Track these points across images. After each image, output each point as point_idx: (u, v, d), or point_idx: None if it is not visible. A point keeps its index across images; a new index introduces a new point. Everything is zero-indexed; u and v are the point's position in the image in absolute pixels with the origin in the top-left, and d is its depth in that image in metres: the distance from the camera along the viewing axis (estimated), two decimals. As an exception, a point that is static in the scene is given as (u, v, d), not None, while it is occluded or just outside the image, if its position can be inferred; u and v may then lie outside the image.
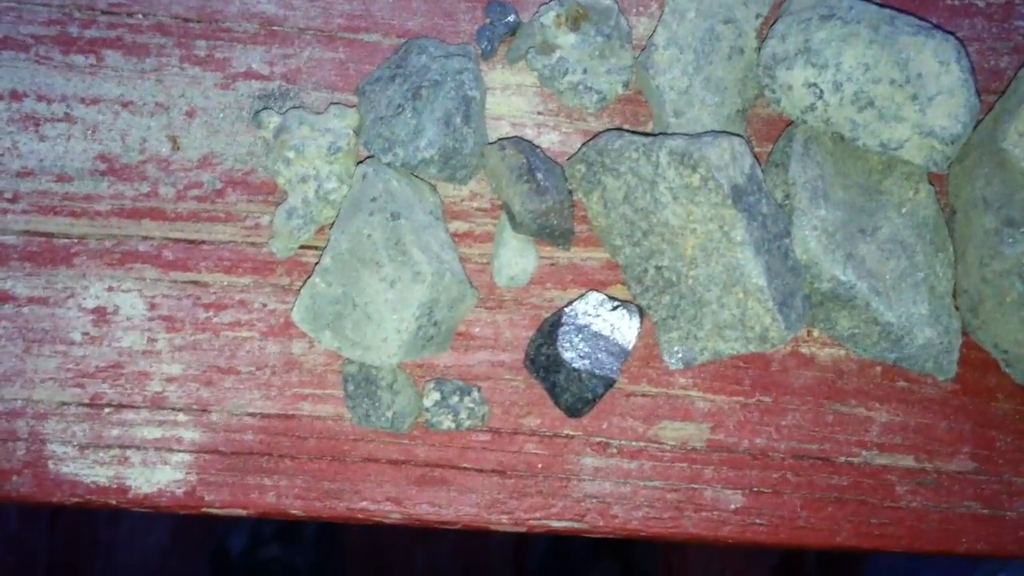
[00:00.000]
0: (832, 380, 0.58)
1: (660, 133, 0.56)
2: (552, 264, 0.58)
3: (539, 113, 0.59)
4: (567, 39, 0.57)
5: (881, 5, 0.56)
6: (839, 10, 0.54)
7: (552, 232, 0.56)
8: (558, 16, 0.57)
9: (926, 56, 0.53)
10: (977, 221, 0.54)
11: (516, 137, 0.57)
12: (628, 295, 0.57)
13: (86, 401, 0.57)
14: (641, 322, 0.56)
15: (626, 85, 0.58)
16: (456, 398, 0.56)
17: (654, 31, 0.57)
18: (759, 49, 0.57)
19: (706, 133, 0.54)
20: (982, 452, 0.58)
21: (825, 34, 0.53)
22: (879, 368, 0.58)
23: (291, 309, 0.55)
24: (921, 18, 0.58)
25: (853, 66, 0.53)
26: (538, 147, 0.57)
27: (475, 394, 0.56)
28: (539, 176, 0.55)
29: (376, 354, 0.53)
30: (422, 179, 0.56)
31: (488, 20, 0.59)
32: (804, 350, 0.58)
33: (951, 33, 0.54)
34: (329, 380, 0.57)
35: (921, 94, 0.53)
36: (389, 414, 0.55)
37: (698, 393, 0.58)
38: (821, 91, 0.54)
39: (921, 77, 0.53)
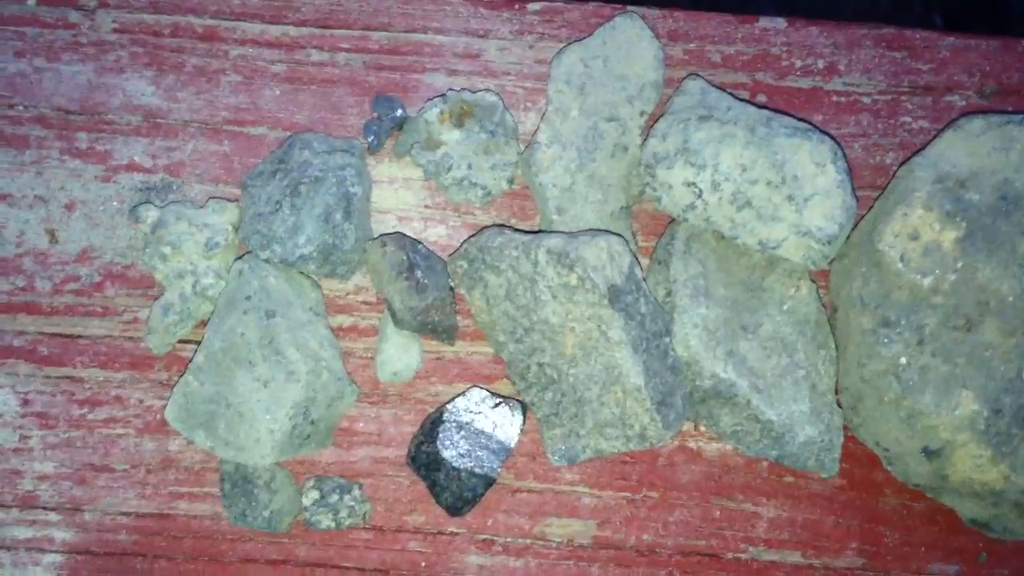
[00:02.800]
0: (719, 475, 0.57)
1: (541, 231, 0.56)
2: (437, 358, 0.58)
3: (426, 207, 0.59)
4: (452, 135, 0.57)
5: (760, 106, 0.57)
6: (717, 111, 0.55)
7: (434, 328, 0.55)
8: (442, 113, 0.57)
9: (802, 158, 0.53)
10: (855, 320, 0.54)
11: (398, 233, 0.56)
12: (514, 391, 0.57)
13: (-47, 502, 0.55)
14: (524, 419, 0.56)
15: (511, 181, 0.58)
16: (336, 496, 0.55)
17: (537, 129, 0.57)
18: (643, 146, 0.57)
19: (585, 232, 0.54)
20: (870, 548, 0.57)
21: (703, 135, 0.54)
22: (766, 463, 0.58)
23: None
24: (806, 117, 0.59)
25: (731, 167, 0.53)
26: (420, 243, 0.57)
27: (356, 492, 0.55)
28: (419, 273, 0.54)
29: (249, 454, 0.52)
30: (304, 274, 0.56)
31: (375, 115, 0.59)
32: (691, 444, 0.58)
33: (828, 135, 0.54)
34: (206, 478, 0.56)
35: (797, 195, 0.53)
36: (266, 513, 0.54)
37: (585, 489, 0.57)
38: (700, 190, 0.54)
39: (797, 179, 0.53)
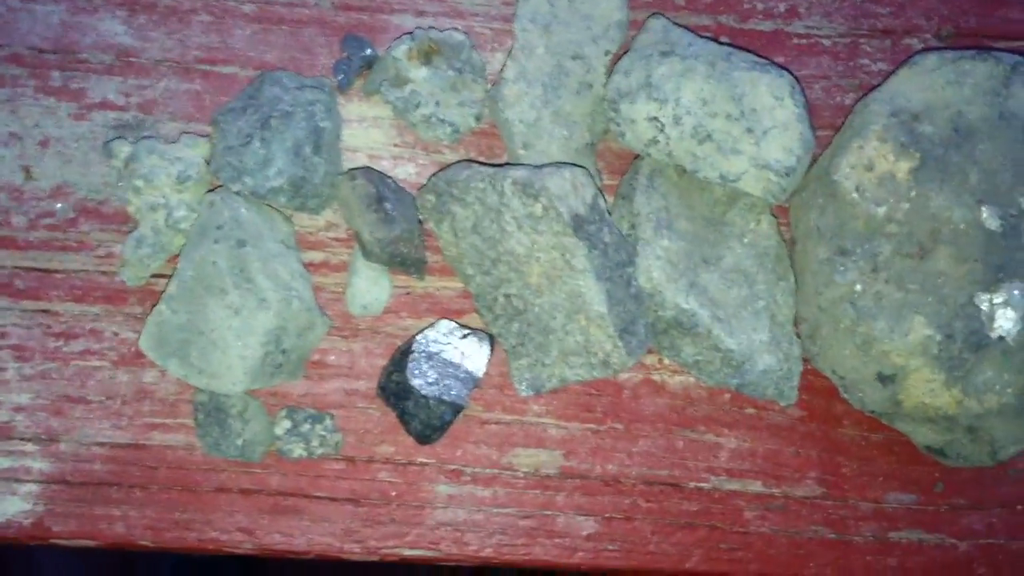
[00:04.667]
0: (682, 407, 0.59)
1: (508, 164, 0.57)
2: (407, 293, 0.59)
3: (395, 145, 0.60)
4: (419, 73, 0.58)
5: (720, 43, 0.58)
6: (679, 47, 0.56)
7: (404, 261, 0.57)
8: (410, 50, 0.58)
9: (761, 91, 0.54)
10: (812, 251, 0.56)
11: (367, 167, 0.57)
12: (483, 324, 0.58)
13: (-70, 432, 0.56)
14: (492, 350, 0.57)
15: (478, 118, 0.59)
16: (308, 426, 0.56)
17: (504, 65, 0.58)
18: (607, 83, 0.58)
19: (550, 164, 0.55)
20: (829, 477, 0.59)
21: (665, 70, 0.55)
22: (728, 395, 0.59)
23: (140, 338, 0.55)
24: (769, 57, 0.60)
25: (692, 101, 0.54)
26: (389, 177, 0.58)
27: (327, 422, 0.57)
28: (388, 206, 0.55)
29: (222, 382, 0.53)
30: (276, 208, 0.57)
31: (345, 54, 0.60)
32: (655, 377, 0.59)
33: (786, 70, 0.55)
34: (181, 409, 0.57)
35: (756, 128, 0.54)
36: (239, 443, 0.55)
37: (551, 420, 0.59)
38: (662, 125, 0.55)
39: (756, 112, 0.54)
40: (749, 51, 0.57)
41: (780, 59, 0.62)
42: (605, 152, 0.61)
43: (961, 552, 0.60)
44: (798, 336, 0.58)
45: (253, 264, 0.53)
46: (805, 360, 0.58)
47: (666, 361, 0.59)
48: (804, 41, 0.62)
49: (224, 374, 0.53)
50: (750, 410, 0.59)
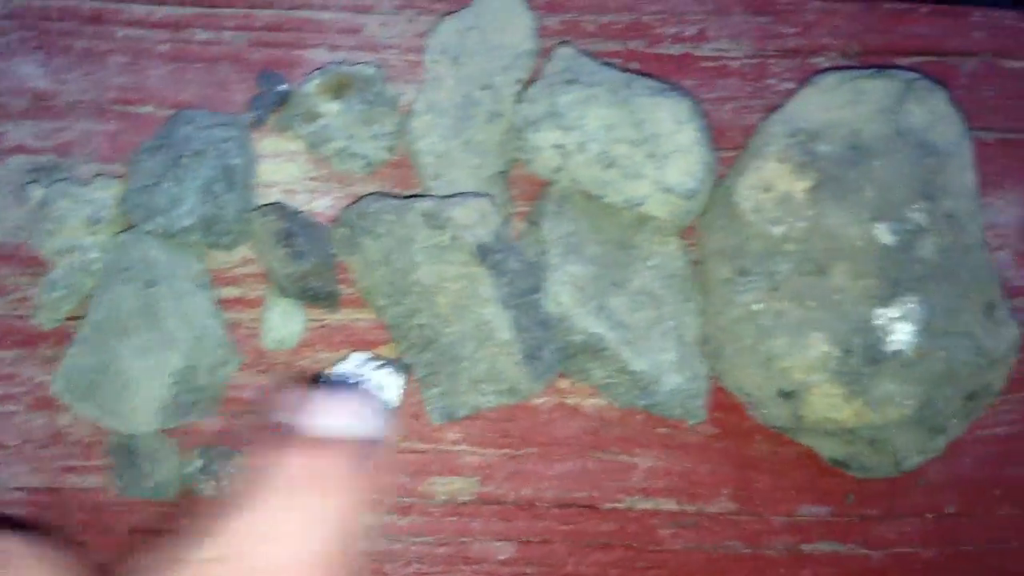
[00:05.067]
0: (596, 429, 0.60)
1: (418, 195, 0.58)
2: (322, 326, 0.60)
3: (311, 179, 0.61)
4: (330, 107, 0.59)
5: (628, 70, 0.59)
6: (582, 75, 0.57)
7: (316, 295, 0.57)
8: (319, 84, 0.59)
9: (662, 116, 0.55)
10: (716, 271, 0.56)
11: (278, 203, 0.58)
12: (397, 353, 0.59)
13: None
14: (407, 379, 0.58)
15: (391, 150, 0.60)
16: (219, 464, 0.57)
17: (415, 98, 0.59)
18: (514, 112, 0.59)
19: (457, 194, 0.56)
20: (742, 493, 0.60)
21: (570, 98, 0.56)
22: (641, 416, 0.60)
23: (56, 379, 0.55)
24: (678, 80, 0.61)
25: (595, 127, 0.55)
26: (301, 212, 0.58)
27: (238, 459, 0.57)
28: (297, 241, 0.56)
29: (132, 422, 0.54)
30: (188, 246, 0.57)
31: (260, 90, 0.61)
32: (569, 401, 0.60)
33: (688, 95, 0.56)
34: (95, 452, 0.58)
35: (658, 152, 0.55)
36: (151, 483, 0.56)
37: (467, 447, 0.59)
38: (568, 152, 0.56)
39: (658, 136, 0.55)
40: (652, 76, 0.58)
41: (689, 82, 0.62)
42: (519, 179, 0.61)
43: (875, 562, 0.61)
44: (705, 356, 0.59)
45: (163, 303, 0.53)
46: (715, 378, 0.59)
47: (576, 384, 0.60)
48: (712, 63, 0.63)
49: (134, 415, 0.53)
50: (663, 429, 0.60)
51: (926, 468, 0.59)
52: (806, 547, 0.60)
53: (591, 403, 0.60)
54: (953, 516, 0.62)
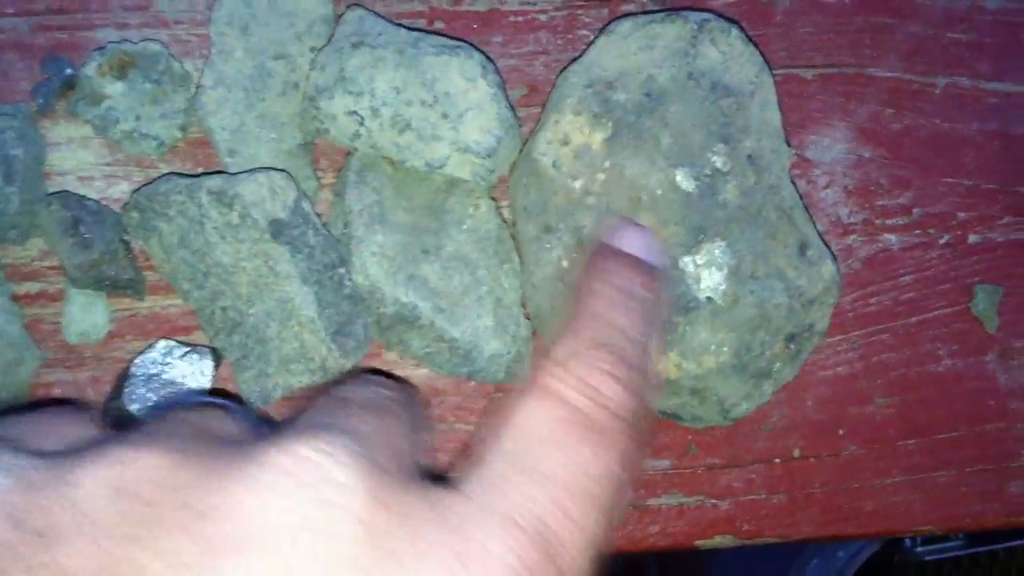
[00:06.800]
0: (428, 401, 0.58)
1: (211, 172, 0.56)
2: (133, 315, 0.57)
3: (107, 164, 0.58)
4: (115, 88, 0.57)
5: (415, 29, 0.57)
6: (368, 37, 0.55)
7: (114, 283, 0.55)
8: (100, 66, 0.56)
9: (452, 74, 0.54)
10: (525, 230, 0.55)
11: (64, 192, 0.56)
12: (207, 338, 0.56)
13: None
14: (216, 365, 0.56)
15: (183, 128, 0.58)
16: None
17: (202, 73, 0.57)
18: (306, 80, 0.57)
19: (247, 171, 0.54)
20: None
21: (357, 61, 0.54)
22: (472, 384, 0.58)
23: None
24: (485, 39, 0.59)
25: (386, 91, 0.53)
26: (90, 199, 0.56)
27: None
28: (82, 229, 0.54)
29: (-81, 431, 0.51)
30: (-26, 244, 0.55)
31: (45, 76, 0.58)
32: (400, 372, 0.58)
33: (477, 48, 0.55)
34: None
35: (451, 112, 0.53)
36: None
37: (290, 429, 0.57)
38: (362, 118, 0.54)
39: (450, 95, 0.53)
40: (442, 35, 0.56)
41: (498, 38, 0.61)
42: (328, 150, 0.59)
43: (723, 511, 0.60)
44: (527, 316, 0.57)
45: (-59, 305, 0.51)
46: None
47: (398, 356, 0.58)
48: (521, 18, 0.62)
49: (-80, 423, 0.51)
50: (499, 395, 0.59)
51: (769, 413, 0.59)
52: (652, 502, 0.60)
53: (421, 373, 0.58)
54: (800, 460, 0.62)
